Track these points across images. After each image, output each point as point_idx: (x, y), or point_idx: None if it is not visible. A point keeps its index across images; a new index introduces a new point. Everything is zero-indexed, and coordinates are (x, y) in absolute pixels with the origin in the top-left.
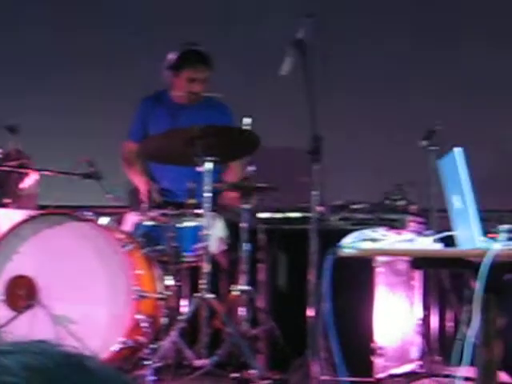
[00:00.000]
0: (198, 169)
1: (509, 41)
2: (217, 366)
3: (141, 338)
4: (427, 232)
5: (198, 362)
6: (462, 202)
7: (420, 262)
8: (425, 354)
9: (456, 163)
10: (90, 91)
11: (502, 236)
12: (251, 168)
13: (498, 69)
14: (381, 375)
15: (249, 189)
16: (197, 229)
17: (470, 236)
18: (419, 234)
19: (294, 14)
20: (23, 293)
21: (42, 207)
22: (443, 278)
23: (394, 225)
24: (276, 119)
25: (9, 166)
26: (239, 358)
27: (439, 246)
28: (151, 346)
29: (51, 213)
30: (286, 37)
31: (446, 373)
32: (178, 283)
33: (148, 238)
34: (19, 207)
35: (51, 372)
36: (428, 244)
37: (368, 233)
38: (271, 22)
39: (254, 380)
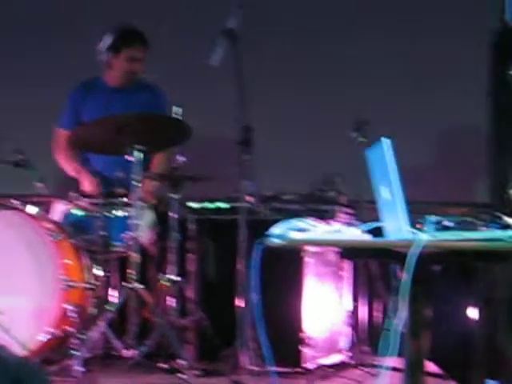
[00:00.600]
0: (127, 158)
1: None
2: (145, 356)
3: (69, 328)
4: (356, 223)
5: (126, 353)
6: (390, 193)
7: (348, 252)
8: (353, 345)
9: (384, 154)
10: (18, 78)
11: (430, 227)
12: (181, 158)
13: (426, 59)
14: (309, 365)
15: (178, 179)
16: (126, 218)
17: (397, 227)
18: (349, 224)
19: (225, 2)
20: None
21: None
22: (372, 268)
23: (324, 215)
24: (206, 109)
25: None
26: (168, 348)
27: (367, 237)
28: (79, 336)
29: None
30: (217, 26)
31: (374, 363)
32: (107, 273)
33: (76, 227)
34: None
35: None
36: (356, 235)
37: (297, 223)
38: (201, 10)
39: (183, 370)
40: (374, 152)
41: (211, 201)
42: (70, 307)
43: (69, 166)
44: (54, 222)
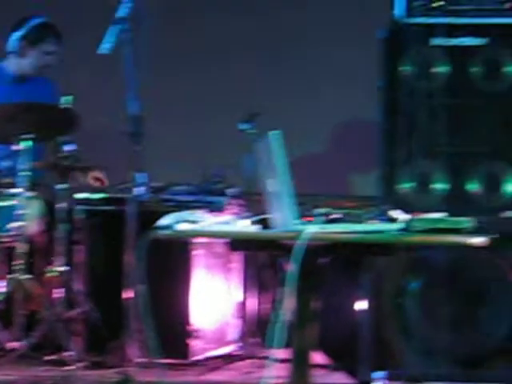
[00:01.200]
0: (14, 147)
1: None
2: (32, 348)
3: None
4: (245, 214)
5: (12, 345)
6: (278, 185)
7: (237, 244)
8: (243, 336)
9: (272, 146)
10: None
11: (317, 219)
12: (71, 147)
13: (319, 53)
14: (198, 357)
15: (67, 168)
16: (12, 208)
17: (285, 219)
18: (239, 216)
19: None
20: None
21: None
22: (262, 260)
23: (214, 207)
24: (97, 98)
25: None
26: (55, 340)
27: (256, 229)
28: None
29: None
30: (111, 14)
31: (264, 355)
32: None
33: None
34: None
35: None
36: (245, 226)
37: (185, 215)
38: None
39: (70, 362)
40: (263, 144)
41: (100, 191)
42: None
43: None
44: None
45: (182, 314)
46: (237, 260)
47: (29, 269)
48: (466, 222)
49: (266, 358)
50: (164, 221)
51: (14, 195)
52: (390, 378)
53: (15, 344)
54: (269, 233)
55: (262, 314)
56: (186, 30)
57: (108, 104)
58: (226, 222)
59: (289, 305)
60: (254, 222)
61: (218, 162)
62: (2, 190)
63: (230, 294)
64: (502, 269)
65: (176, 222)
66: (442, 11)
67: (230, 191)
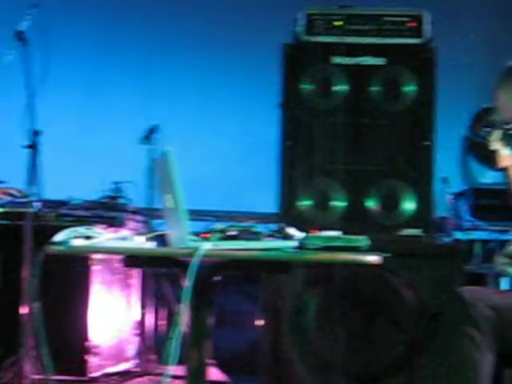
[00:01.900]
0: None
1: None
2: None
3: None
4: (142, 230)
5: None
6: (174, 202)
7: (132, 260)
8: (141, 353)
9: (168, 162)
10: None
11: (214, 236)
12: None
13: (221, 68)
14: (95, 374)
15: None
16: None
17: (181, 235)
18: (138, 232)
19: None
20: None
21: None
22: (161, 277)
23: (113, 223)
24: None
25: None
26: None
27: (151, 245)
28: None
29: None
30: (10, 27)
31: (160, 371)
32: None
33: None
34: None
35: None
36: (141, 242)
37: (81, 230)
38: None
39: None
40: (160, 160)
41: None
42: None
43: None
44: None
45: (80, 331)
46: (136, 276)
47: None
48: (361, 240)
49: (161, 374)
50: (59, 236)
51: None
52: None
53: None
54: (164, 249)
55: (159, 331)
56: (83, 41)
57: (5, 118)
58: (123, 238)
59: (184, 321)
60: (148, 239)
61: (116, 177)
62: None
63: (129, 310)
64: (397, 287)
65: (70, 237)
66: (342, 30)
67: (128, 207)
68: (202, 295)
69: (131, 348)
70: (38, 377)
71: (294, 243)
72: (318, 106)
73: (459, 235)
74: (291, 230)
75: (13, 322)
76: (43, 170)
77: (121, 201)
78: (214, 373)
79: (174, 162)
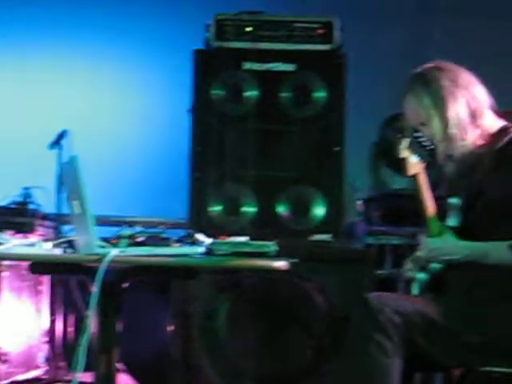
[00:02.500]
0: None
1: None
2: None
3: None
4: (51, 236)
5: None
6: (81, 208)
7: (38, 267)
8: (50, 360)
9: (75, 168)
10: None
11: (123, 242)
12: None
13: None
14: (4, 382)
15: None
16: None
17: (88, 241)
18: (45, 238)
19: None
20: None
21: None
22: (71, 283)
23: (22, 229)
24: None
25: None
26: None
27: (58, 251)
28: None
29: None
30: None
31: (69, 378)
32: None
33: None
34: None
35: None
36: (47, 249)
37: None
38: None
39: None
40: (67, 166)
41: None
42: None
43: None
44: None
45: None
46: (46, 282)
47: None
48: (269, 245)
49: (70, 381)
50: None
51: None
52: None
53: None
54: (70, 256)
55: (68, 337)
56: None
57: None
58: (31, 245)
59: (91, 328)
60: (55, 245)
61: (27, 182)
62: None
63: (38, 317)
64: (307, 292)
65: None
66: (253, 36)
67: (38, 213)
68: (109, 301)
69: (40, 355)
70: None
71: (202, 249)
72: (228, 112)
73: (370, 240)
74: (200, 236)
75: None
76: None
77: (30, 206)
78: (123, 379)
79: (80, 167)
